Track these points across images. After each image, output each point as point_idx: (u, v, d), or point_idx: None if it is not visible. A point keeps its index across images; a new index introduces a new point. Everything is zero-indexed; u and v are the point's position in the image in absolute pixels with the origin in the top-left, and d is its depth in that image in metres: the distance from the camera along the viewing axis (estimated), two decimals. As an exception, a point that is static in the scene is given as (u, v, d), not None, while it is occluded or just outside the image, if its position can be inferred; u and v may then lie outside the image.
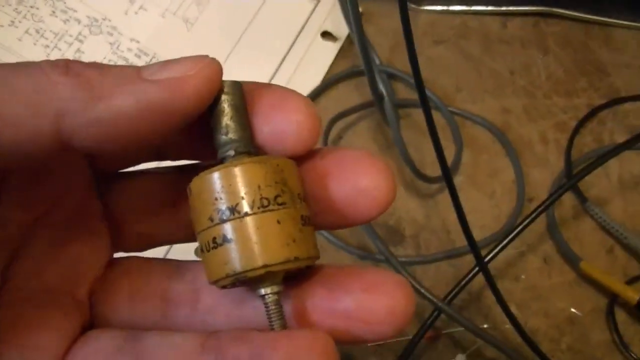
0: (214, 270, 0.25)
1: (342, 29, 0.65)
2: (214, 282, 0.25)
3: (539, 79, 0.64)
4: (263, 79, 0.62)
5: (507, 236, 0.52)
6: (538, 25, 0.67)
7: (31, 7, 0.62)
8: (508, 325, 0.54)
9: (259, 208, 0.24)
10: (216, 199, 0.24)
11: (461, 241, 0.58)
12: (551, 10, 0.66)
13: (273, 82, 0.62)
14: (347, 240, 0.57)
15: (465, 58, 0.65)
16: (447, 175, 0.47)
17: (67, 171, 0.29)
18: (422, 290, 0.51)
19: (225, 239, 0.24)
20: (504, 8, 0.67)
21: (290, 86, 0.61)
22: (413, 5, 0.66)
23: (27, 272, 0.27)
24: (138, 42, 0.62)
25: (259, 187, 0.24)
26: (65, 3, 0.63)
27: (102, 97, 0.23)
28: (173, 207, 0.29)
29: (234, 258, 0.24)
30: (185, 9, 0.64)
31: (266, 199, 0.24)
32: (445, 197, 0.60)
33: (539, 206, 0.52)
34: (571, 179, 0.55)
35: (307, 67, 0.64)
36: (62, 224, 0.29)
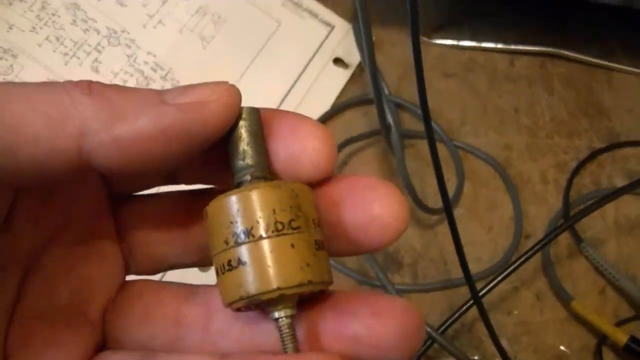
0: (228, 292, 0.25)
1: (353, 57, 0.67)
2: (229, 305, 0.26)
3: (542, 118, 0.66)
4: (275, 100, 0.64)
5: (502, 271, 0.53)
6: (544, 66, 0.68)
7: (53, 14, 0.63)
8: (498, 359, 0.56)
9: (273, 232, 0.25)
10: (231, 222, 0.25)
11: (457, 272, 0.59)
12: (558, 52, 0.68)
13: (284, 104, 0.64)
14: (345, 264, 0.59)
15: (471, 93, 0.67)
16: (448, 209, 0.48)
17: (81, 192, 0.29)
18: (417, 319, 0.52)
19: (240, 262, 0.25)
20: (512, 46, 0.68)
21: (300, 109, 0.62)
22: (424, 39, 0.68)
23: (40, 291, 0.27)
24: (155, 55, 0.64)
25: (274, 211, 0.25)
26: (86, 13, 0.64)
27: (123, 118, 0.23)
28: (185, 230, 0.29)
29: (249, 281, 0.24)
30: (203, 27, 0.65)
31: (281, 223, 0.25)
32: (444, 228, 0.61)
33: (536, 244, 0.53)
34: (568, 219, 0.56)
35: (318, 91, 0.65)
36: (74, 244, 0.28)
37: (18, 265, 0.27)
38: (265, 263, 0.24)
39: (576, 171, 0.63)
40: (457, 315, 0.52)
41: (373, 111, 0.63)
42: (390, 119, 0.57)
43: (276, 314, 0.25)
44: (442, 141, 0.63)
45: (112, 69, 0.63)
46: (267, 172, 0.26)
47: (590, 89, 0.68)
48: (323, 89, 0.65)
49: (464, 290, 0.58)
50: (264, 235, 0.24)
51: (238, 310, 0.26)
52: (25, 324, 0.26)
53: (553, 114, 0.66)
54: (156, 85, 0.63)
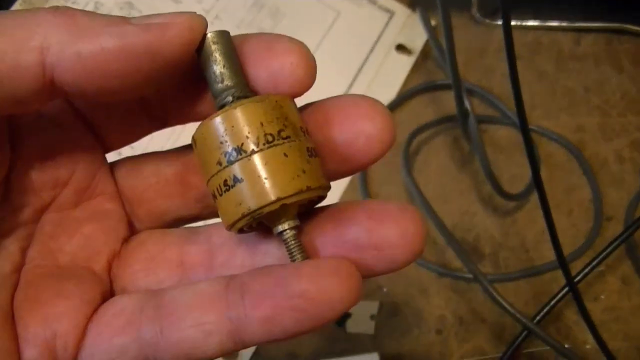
0: (229, 213, 0.25)
1: (416, 42, 0.65)
2: (231, 226, 0.25)
3: (613, 97, 0.64)
4: (338, 91, 0.62)
5: (592, 257, 0.52)
6: (611, 43, 0.66)
7: (107, 14, 0.62)
8: (589, 346, 0.54)
9: (264, 144, 0.24)
10: (221, 142, 0.25)
11: (540, 259, 0.57)
12: (624, 27, 0.66)
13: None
14: (424, 257, 0.57)
15: (539, 75, 0.65)
16: (542, 193, 0.46)
17: (76, 155, 0.30)
18: (512, 310, 0.50)
19: (235, 180, 0.24)
20: (577, 24, 0.66)
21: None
22: (487, 21, 0.66)
23: (43, 253, 0.28)
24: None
25: (261, 124, 0.25)
26: (140, 12, 0.63)
27: (86, 35, 0.23)
28: (182, 183, 0.30)
29: (247, 197, 0.24)
30: (261, 20, 0.64)
31: (270, 134, 0.25)
32: (522, 215, 0.59)
33: (630, 226, 0.52)
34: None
35: (382, 80, 0.63)
36: (74, 205, 0.29)
37: (19, 232, 0.28)
38: (261, 176, 0.24)
39: (653, 149, 0.61)
40: (553, 302, 0.51)
41: (440, 98, 0.62)
42: (467, 105, 0.55)
43: (280, 227, 0.25)
44: (514, 125, 0.61)
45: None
46: (247, 90, 0.26)
47: (659, 64, 0.66)
48: (387, 77, 0.64)
49: (549, 277, 0.57)
50: (255, 149, 0.24)
51: (241, 231, 0.26)
52: (32, 283, 0.27)
53: (623, 92, 0.64)
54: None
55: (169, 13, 0.25)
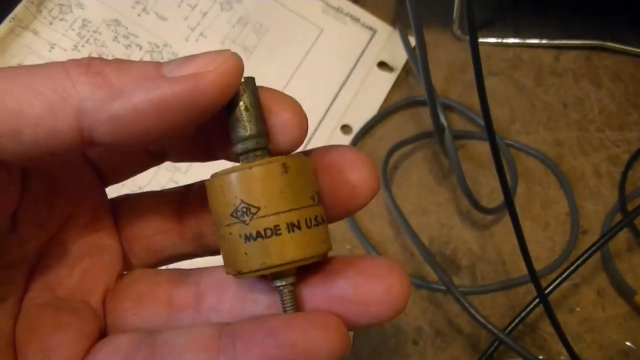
0: (237, 261, 0.26)
1: (398, 59, 0.66)
2: (237, 274, 0.26)
3: (591, 112, 0.65)
4: (321, 107, 0.63)
5: (567, 268, 0.53)
6: (590, 59, 0.68)
7: (94, 31, 0.64)
8: (563, 357, 0.55)
9: (286, 208, 0.25)
10: (243, 195, 0.25)
11: (516, 272, 0.58)
12: (603, 44, 0.67)
13: (330, 110, 0.63)
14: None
15: (518, 90, 0.66)
16: (511, 206, 0.47)
17: (81, 193, 0.30)
18: (483, 321, 0.51)
19: (256, 235, 0.25)
20: (556, 41, 0.67)
21: (348, 115, 0.62)
22: (468, 37, 0.67)
23: (45, 285, 0.29)
24: (199, 69, 0.63)
25: (281, 191, 0.25)
26: (127, 28, 0.64)
27: (120, 96, 0.23)
28: (180, 222, 0.31)
29: (261, 253, 0.25)
30: (245, 37, 0.65)
31: (296, 199, 0.26)
32: (499, 229, 0.60)
33: (599, 239, 0.52)
34: (625, 212, 0.56)
35: (364, 96, 0.65)
36: (76, 241, 0.30)
37: (24, 263, 0.29)
38: (278, 237, 0.25)
39: (630, 164, 0.62)
40: (523, 314, 0.52)
41: (420, 113, 0.63)
42: (443, 120, 0.56)
43: (279, 282, 0.26)
44: (492, 140, 0.62)
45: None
46: (267, 141, 0.27)
47: (638, 80, 0.67)
48: (369, 93, 0.65)
49: (524, 290, 0.58)
50: (270, 212, 0.25)
51: (240, 278, 0.27)
52: (33, 313, 0.28)
53: (602, 107, 0.65)
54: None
55: (205, 55, 0.24)
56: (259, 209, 0.25)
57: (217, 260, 0.29)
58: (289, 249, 0.25)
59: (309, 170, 0.27)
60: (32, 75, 0.23)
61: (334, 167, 0.27)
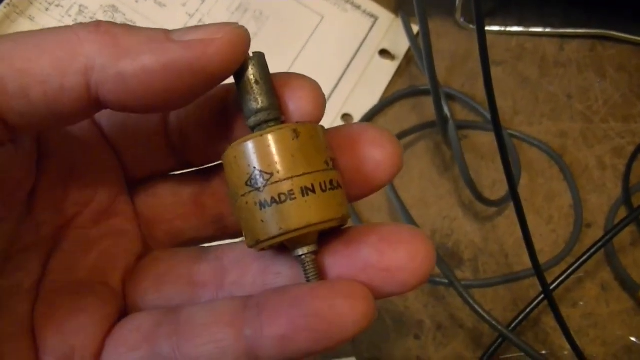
0: (256, 231, 0.26)
1: (400, 47, 0.65)
2: (255, 244, 0.26)
3: (596, 103, 0.64)
4: (321, 96, 0.62)
5: (568, 263, 0.52)
6: (595, 49, 0.67)
7: (91, 18, 0.62)
8: (566, 352, 0.54)
9: (300, 172, 0.25)
10: (258, 162, 0.25)
11: (519, 265, 0.58)
12: (608, 34, 0.66)
13: (331, 99, 0.62)
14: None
15: (522, 80, 0.65)
16: (516, 197, 0.46)
17: (98, 175, 0.30)
18: (487, 317, 0.50)
19: (270, 201, 0.25)
20: (560, 30, 0.66)
21: (349, 103, 0.61)
22: (471, 26, 0.66)
23: (62, 268, 0.29)
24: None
25: (292, 155, 0.25)
26: (124, 15, 0.63)
27: (128, 54, 0.23)
28: (199, 205, 0.31)
29: (277, 219, 0.25)
30: (244, 24, 0.63)
31: (309, 163, 0.25)
32: (502, 221, 0.60)
33: (604, 236, 0.52)
34: (630, 205, 0.55)
35: (366, 85, 0.63)
36: (93, 224, 0.30)
37: (41, 247, 0.29)
38: (294, 201, 0.25)
39: (634, 155, 0.61)
40: (528, 310, 0.51)
41: (422, 103, 0.62)
42: (447, 111, 0.55)
43: (300, 251, 0.26)
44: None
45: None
46: (279, 113, 0.27)
47: (643, 70, 0.66)
48: (371, 82, 0.64)
49: (527, 283, 0.57)
50: (292, 175, 0.25)
51: (262, 249, 0.27)
52: (50, 297, 0.28)
53: (606, 98, 0.64)
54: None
55: (211, 25, 0.25)
56: (271, 174, 0.25)
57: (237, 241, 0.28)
58: (304, 212, 0.25)
59: (321, 136, 0.26)
60: (40, 37, 0.24)
61: (358, 143, 0.27)
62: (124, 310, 0.29)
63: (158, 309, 0.28)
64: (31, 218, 0.28)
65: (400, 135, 0.61)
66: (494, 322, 0.50)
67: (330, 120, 0.62)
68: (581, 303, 0.57)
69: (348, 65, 0.64)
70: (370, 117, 0.62)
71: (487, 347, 0.52)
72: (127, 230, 0.31)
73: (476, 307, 0.51)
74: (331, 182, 0.26)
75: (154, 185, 0.32)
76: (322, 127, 0.27)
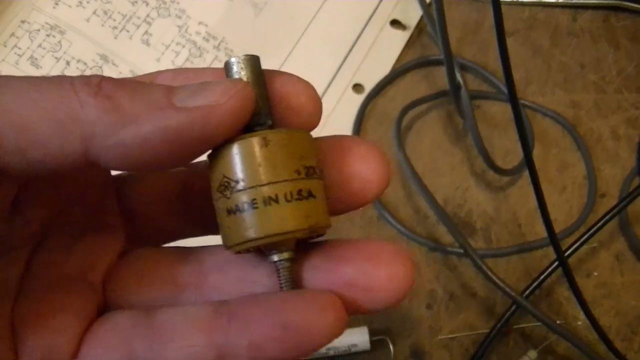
0: (232, 234, 0.25)
1: (411, 17, 0.64)
2: (230, 247, 0.26)
3: (609, 74, 0.63)
4: (332, 66, 0.61)
5: (582, 232, 0.52)
6: (608, 20, 0.66)
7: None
8: (580, 322, 0.54)
9: (282, 178, 0.25)
10: (240, 167, 0.25)
11: (532, 235, 0.57)
12: (621, 4, 0.65)
13: (342, 69, 0.61)
14: (416, 231, 0.57)
15: (534, 51, 0.64)
16: (531, 165, 0.46)
17: (88, 177, 0.30)
18: (501, 284, 0.50)
19: (248, 205, 0.25)
20: (573, 1, 0.66)
21: (359, 74, 0.61)
22: (483, -4, 0.65)
23: (47, 263, 0.28)
24: (206, 25, 0.62)
25: (259, 164, 0.25)
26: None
27: (129, 123, 0.23)
28: (185, 203, 0.31)
29: (254, 224, 0.25)
30: (252, -7, 0.63)
31: (296, 170, 0.25)
32: (515, 191, 0.59)
33: (619, 202, 0.51)
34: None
35: (377, 55, 0.63)
36: (79, 221, 0.30)
37: (28, 243, 0.28)
38: (273, 206, 0.25)
39: (648, 126, 0.61)
40: (542, 277, 0.51)
41: (433, 73, 0.62)
42: (459, 79, 0.54)
43: (276, 257, 0.26)
44: (508, 101, 0.60)
45: (164, 41, 0.61)
46: (268, 118, 0.26)
47: (656, 41, 0.65)
48: (382, 52, 0.63)
49: (540, 253, 0.56)
50: (273, 180, 0.25)
51: (238, 252, 0.26)
52: (32, 294, 0.27)
53: (620, 69, 0.64)
54: (210, 55, 0.61)
55: (216, 87, 0.24)
56: (237, 182, 0.25)
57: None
58: (264, 222, 0.25)
59: (298, 144, 0.26)
60: (39, 91, 0.23)
61: (345, 158, 0.27)
62: (104, 308, 0.29)
63: (136, 309, 0.28)
64: (20, 215, 0.28)
65: (412, 105, 0.60)
66: (508, 290, 0.50)
67: (340, 90, 0.61)
68: (595, 273, 0.56)
69: (359, 36, 0.63)
70: (381, 87, 0.61)
71: (500, 316, 0.51)
72: (112, 227, 0.30)
73: (491, 275, 0.50)
74: (299, 192, 0.25)
75: (140, 180, 0.32)
76: (306, 134, 0.26)
